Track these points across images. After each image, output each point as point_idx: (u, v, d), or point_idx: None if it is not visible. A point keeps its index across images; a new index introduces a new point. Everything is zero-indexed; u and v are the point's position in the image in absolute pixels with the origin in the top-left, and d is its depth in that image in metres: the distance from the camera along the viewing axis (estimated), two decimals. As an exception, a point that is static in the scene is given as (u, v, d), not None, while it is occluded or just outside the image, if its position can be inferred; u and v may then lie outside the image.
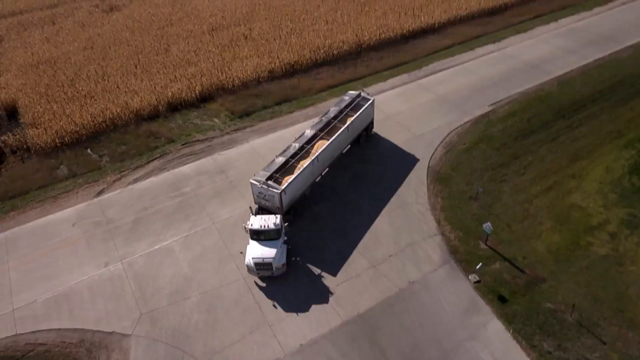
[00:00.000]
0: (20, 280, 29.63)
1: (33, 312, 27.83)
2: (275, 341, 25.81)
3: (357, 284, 28.35)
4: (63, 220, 33.74)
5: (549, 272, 29.29)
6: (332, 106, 36.95)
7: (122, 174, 37.83)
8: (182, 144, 40.72)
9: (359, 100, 37.32)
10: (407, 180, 35.52)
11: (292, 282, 28.61)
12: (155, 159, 39.18)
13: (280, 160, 31.54)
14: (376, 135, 40.29)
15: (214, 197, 34.93)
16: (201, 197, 34.95)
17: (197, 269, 29.84)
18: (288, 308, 27.24)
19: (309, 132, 34.00)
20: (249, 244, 28.46)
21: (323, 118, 35.45)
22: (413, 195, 34.47)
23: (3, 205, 35.48)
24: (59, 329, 26.91)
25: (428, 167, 36.89)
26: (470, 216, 32.73)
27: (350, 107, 36.77)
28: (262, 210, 30.66)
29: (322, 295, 27.61)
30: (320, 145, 33.01)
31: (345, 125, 34.58)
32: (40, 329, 26.94)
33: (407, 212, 33.11)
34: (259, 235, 28.11)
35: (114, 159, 39.74)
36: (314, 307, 27.17)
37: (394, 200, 33.95)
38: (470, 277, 28.73)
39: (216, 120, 43.87)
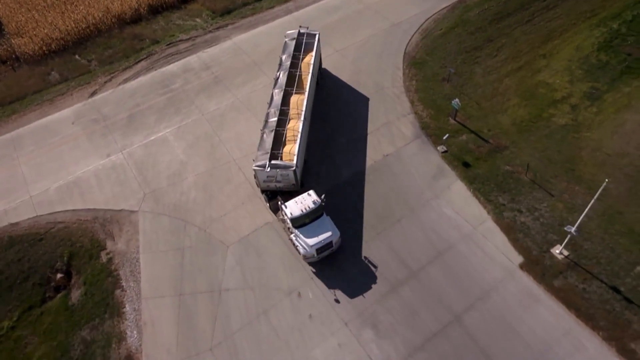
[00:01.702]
0: (31, 173, 33.15)
1: (48, 197, 31.62)
2: (265, 210, 29.79)
3: (336, 159, 31.74)
4: (62, 119, 36.58)
5: (511, 141, 32.66)
6: (281, 55, 33.69)
7: (111, 75, 39.99)
8: (167, 45, 42.37)
9: (305, 39, 34.50)
10: (384, 66, 37.76)
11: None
12: (142, 60, 41.09)
13: (269, 134, 29.14)
14: (356, 24, 41.78)
15: (201, 91, 37.45)
16: (189, 92, 37.47)
17: (191, 154, 33.22)
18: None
19: (277, 93, 31.29)
20: (293, 234, 26.52)
21: (280, 73, 32.36)
22: (389, 80, 36.96)
23: (4, 111, 38.12)
24: (74, 210, 30.83)
25: (404, 53, 38.97)
26: (442, 96, 35.47)
27: (302, 49, 33.94)
28: (272, 194, 28.54)
29: (306, 169, 31.08)
30: (298, 102, 30.59)
31: (311, 72, 32.32)
32: (57, 211, 30.86)
33: (383, 96, 35.83)
34: (303, 220, 26.11)
35: (102, 63, 41.65)
36: (297, 179, 30.86)
37: (371, 85, 36.46)
38: (438, 148, 32.15)
39: (198, 19, 45.05)
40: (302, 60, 33.29)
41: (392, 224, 28.33)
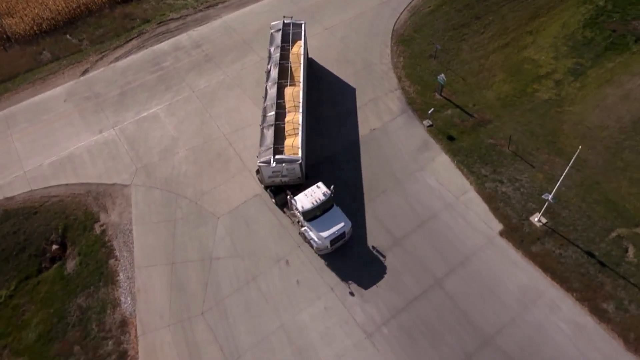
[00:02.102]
0: (25, 149, 34.00)
1: (42, 172, 32.54)
2: (254, 182, 30.83)
3: (324, 133, 32.69)
4: (54, 97, 37.32)
5: (495, 116, 33.69)
6: (269, 47, 33.25)
7: (103, 54, 40.63)
8: (158, 24, 42.94)
9: (292, 30, 34.13)
10: (372, 44, 38.55)
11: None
12: (132, 38, 41.70)
13: (269, 129, 28.86)
14: (344, 2, 42.43)
15: (192, 69, 38.21)
16: (180, 70, 38.22)
17: (182, 130, 34.12)
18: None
19: (271, 87, 30.95)
20: (304, 228, 26.64)
21: (271, 66, 31.95)
22: (377, 57, 37.79)
23: (-4, 89, 38.82)
24: (67, 184, 31.78)
25: (393, 30, 39.74)
26: (429, 72, 36.36)
27: (289, 40, 33.48)
28: (276, 189, 28.69)
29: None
30: (294, 94, 30.39)
31: (302, 62, 32.22)
32: (51, 185, 31.81)
33: (371, 72, 36.71)
34: (315, 213, 26.13)
35: (93, 42, 42.23)
36: (286, 152, 31.84)
37: (359, 62, 37.30)
38: (424, 122, 33.15)
39: (188, -2, 45.57)
40: (291, 51, 32.87)
41: (378, 195, 29.43)
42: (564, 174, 25.13)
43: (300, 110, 29.50)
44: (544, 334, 23.70)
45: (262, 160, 27.40)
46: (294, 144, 27.94)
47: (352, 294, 25.64)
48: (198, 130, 33.99)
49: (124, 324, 25.85)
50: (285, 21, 34.56)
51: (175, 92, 36.66)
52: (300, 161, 27.18)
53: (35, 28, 43.55)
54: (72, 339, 25.69)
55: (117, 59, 39.88)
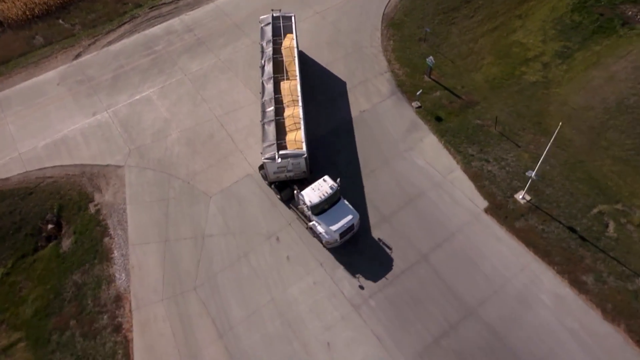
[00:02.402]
0: (19, 132, 34.58)
1: (37, 154, 33.17)
2: (246, 162, 31.60)
3: (314, 115, 33.36)
4: (48, 81, 37.83)
5: (483, 97, 34.43)
6: (261, 42, 33.05)
7: (95, 38, 41.07)
8: (150, 8, 43.33)
9: (282, 23, 33.86)
10: (362, 27, 39.12)
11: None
12: (125, 23, 42.12)
13: (270, 124, 28.79)
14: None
15: (184, 52, 38.74)
16: (172, 53, 38.74)
17: (175, 112, 34.75)
18: (258, 138, 32.71)
19: (267, 82, 30.78)
20: (312, 222, 26.62)
21: (265, 61, 31.76)
22: (367, 40, 38.39)
23: (-11, 73, 39.27)
24: (62, 165, 32.46)
25: (383, 14, 40.29)
26: (419, 55, 37.00)
27: (280, 33, 33.37)
28: (280, 184, 28.75)
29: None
30: (291, 88, 30.27)
31: (296, 55, 32.04)
32: (45, 166, 32.47)
33: (361, 55, 37.33)
34: (322, 206, 26.23)
35: (85, 26, 42.61)
36: (277, 133, 32.56)
37: (349, 45, 37.90)
38: (413, 104, 33.87)
39: (180, -17, 45.85)
40: (284, 44, 32.66)
41: (367, 174, 30.21)
42: (546, 151, 25.98)
43: (300, 104, 29.42)
44: (525, 305, 24.67)
45: (266, 156, 27.23)
46: (297, 138, 27.88)
47: (339, 269, 26.47)
48: (190, 113, 34.63)
49: (119, 299, 26.67)
50: (274, 14, 34.20)
51: (167, 75, 37.22)
52: (305, 155, 27.13)
53: (27, 13, 43.86)
54: (68, 314, 26.49)
55: (109, 43, 40.34)
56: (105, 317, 26.18)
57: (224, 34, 39.75)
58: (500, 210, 28.20)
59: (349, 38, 38.48)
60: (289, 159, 27.13)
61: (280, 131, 28.47)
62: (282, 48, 32.47)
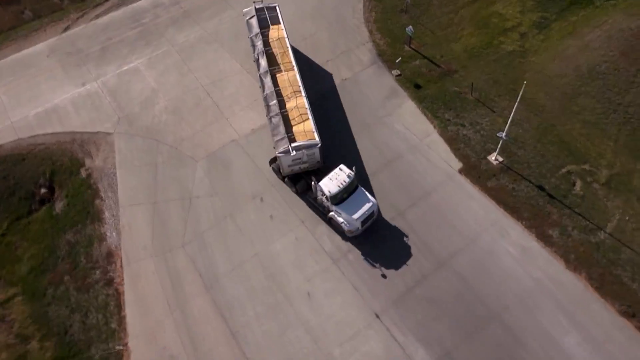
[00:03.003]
0: (11, 101, 35.71)
1: (28, 122, 34.39)
2: (231, 129, 32.96)
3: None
4: (37, 53, 38.84)
5: (461, 66, 35.78)
6: (250, 36, 32.86)
7: (83, 12, 41.96)
8: (137, -18, 44.05)
9: (268, 14, 33.63)
10: (346, 0, 40.21)
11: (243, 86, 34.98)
12: (112, -4, 42.98)
13: (276, 118, 28.59)
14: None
15: (171, 25, 39.79)
16: (159, 25, 39.77)
17: (162, 82, 35.96)
18: (243, 106, 33.99)
19: (265, 75, 30.56)
20: (332, 213, 26.91)
21: (258, 55, 31.58)
22: (350, 11, 39.53)
23: (-21, 47, 40.18)
24: (53, 133, 33.70)
25: (366, -14, 41.29)
26: (399, 26, 38.20)
27: (268, 25, 33.21)
28: (294, 177, 28.87)
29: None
30: (290, 80, 30.11)
31: (289, 46, 32.03)
32: (37, 134, 33.70)
33: (344, 26, 38.53)
34: (342, 196, 26.41)
35: (74, 0, 43.41)
36: (259, 99, 33.85)
37: (333, 17, 39.04)
38: (392, 72, 35.21)
39: (167, -43, 46.56)
40: (272, 36, 32.44)
41: (347, 138, 31.62)
42: (514, 110, 27.43)
43: (303, 94, 29.32)
44: (494, 257, 26.41)
45: (280, 150, 27.01)
46: (306, 129, 27.76)
47: (320, 226, 28.04)
48: (177, 82, 35.85)
49: (110, 256, 28.21)
50: (257, 7, 33.78)
51: (154, 47, 38.32)
52: (319, 144, 27.03)
53: (15, -13, 44.47)
54: (62, 270, 28.02)
55: (97, 17, 41.27)
56: (98, 272, 27.72)
57: (209, 7, 40.75)
58: (474, 170, 29.78)
59: (332, 10, 39.59)
60: (303, 151, 26.96)
61: (286, 124, 28.23)
62: (272, 40, 32.30)
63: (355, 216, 26.21)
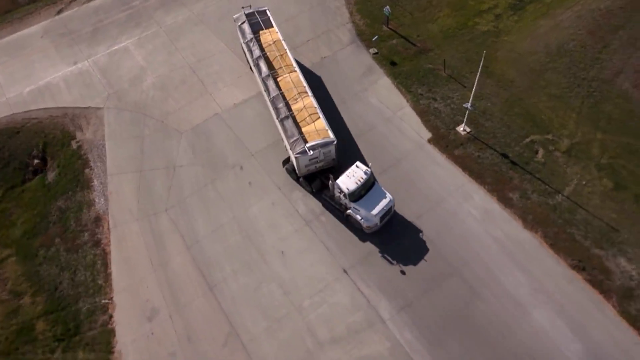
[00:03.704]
0: (6, 80, 37.88)
1: (22, 99, 36.54)
2: (214, 103, 35.00)
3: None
4: (32, 34, 40.99)
5: (436, 45, 37.70)
6: (246, 41, 33.16)
7: (76, -5, 44.06)
8: (128, -33, 46.10)
9: (260, 19, 33.87)
10: (328, -18, 42.15)
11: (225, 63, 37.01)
12: (104, -19, 45.00)
13: (287, 120, 29.00)
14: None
15: (159, 7, 41.84)
16: (148, 8, 41.83)
17: (150, 61, 38.04)
18: (226, 82, 36.03)
19: (267, 79, 30.94)
20: (350, 210, 27.41)
21: (258, 60, 31.89)
22: (332, -7, 41.47)
23: (-24, 29, 42.33)
24: (46, 108, 35.84)
25: (348, -30, 43.19)
26: (379, 8, 40.04)
27: (262, 28, 33.54)
28: (309, 177, 29.34)
29: (251, 75, 35.74)
30: (294, 82, 30.50)
31: (286, 47, 32.48)
32: (31, 109, 35.84)
33: (325, 8, 40.48)
34: (360, 193, 26.89)
35: (67, -15, 45.48)
36: (242, 77, 35.95)
37: (315, 0, 40.99)
38: (370, 50, 37.17)
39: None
40: (267, 39, 32.75)
41: (325, 114, 33.50)
42: (477, 80, 29.38)
43: (310, 94, 29.86)
44: (457, 218, 28.38)
45: (298, 151, 27.41)
46: (318, 128, 28.25)
47: (295, 191, 30.06)
48: (165, 61, 37.91)
49: (98, 219, 30.32)
50: (246, 12, 34.03)
51: (144, 28, 40.39)
52: (335, 142, 27.71)
53: (11, -26, 46.61)
54: (53, 233, 30.15)
55: (89, 0, 43.30)
56: (86, 234, 29.84)
57: (197, -10, 42.74)
58: (442, 140, 31.74)
59: (314, -8, 41.50)
60: (319, 149, 27.51)
61: (296, 125, 28.65)
62: (268, 43, 32.48)
63: (374, 212, 26.65)
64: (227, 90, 35.73)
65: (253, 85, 35.14)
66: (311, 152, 27.42)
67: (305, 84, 30.49)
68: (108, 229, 29.87)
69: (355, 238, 28.09)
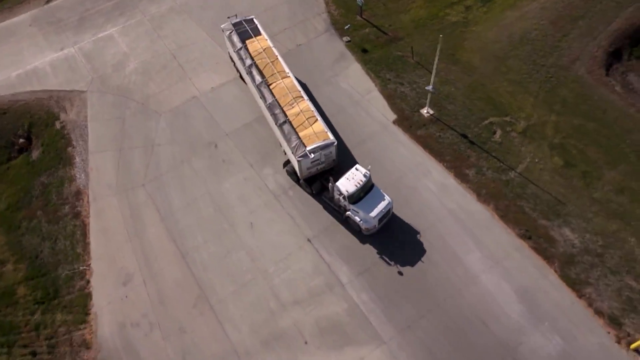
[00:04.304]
0: (-6, 64, 39.90)
1: (9, 82, 38.54)
2: (193, 87, 37.00)
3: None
4: (21, 22, 43.01)
5: (407, 34, 39.78)
6: (237, 51, 33.71)
7: (65, -14, 46.05)
8: (115, -40, 48.16)
9: (247, 27, 34.43)
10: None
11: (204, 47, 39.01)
12: (92, -27, 47.03)
13: (285, 125, 29.65)
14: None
15: (144, -3, 43.90)
16: (133, -2, 43.91)
17: (134, 47, 40.06)
18: (205, 68, 38.07)
19: (262, 86, 31.58)
20: (349, 212, 28.19)
21: (250, 68, 32.52)
22: (309, -15, 43.53)
23: (-33, 17, 44.31)
24: (32, 91, 37.82)
25: (325, -37, 45.27)
26: (354, -1, 42.19)
27: (249, 37, 34.05)
28: (309, 179, 29.97)
29: (228, 61, 37.73)
30: (288, 87, 31.14)
31: (278, 54, 33.12)
32: (17, 92, 37.80)
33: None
34: (359, 194, 27.57)
35: (56, -23, 47.49)
36: (221, 63, 37.98)
37: (293, -9, 43.11)
38: (343, 38, 39.24)
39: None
40: (257, 47, 33.28)
41: (296, 95, 35.56)
42: (436, 62, 31.26)
43: (305, 97, 30.61)
44: (416, 192, 30.37)
45: (300, 155, 28.05)
46: (316, 130, 28.92)
47: (267, 167, 32.02)
48: (147, 48, 39.93)
49: (79, 193, 32.27)
50: (233, 22, 34.64)
51: (128, 17, 42.42)
52: (335, 142, 28.48)
53: (2, -35, 48.61)
54: (36, 207, 32.08)
55: (77, -10, 45.34)
56: (67, 207, 31.78)
57: (181, -18, 44.77)
58: (406, 121, 33.77)
59: (293, -16, 43.55)
60: (320, 152, 28.26)
61: (295, 130, 29.32)
62: (258, 51, 33.00)
63: (373, 214, 27.37)
64: (205, 75, 37.74)
65: (230, 70, 37.21)
66: (312, 155, 28.12)
67: (299, 88, 31.08)
68: (88, 202, 31.79)
69: (319, 210, 30.03)
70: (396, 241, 28.48)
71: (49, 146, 34.85)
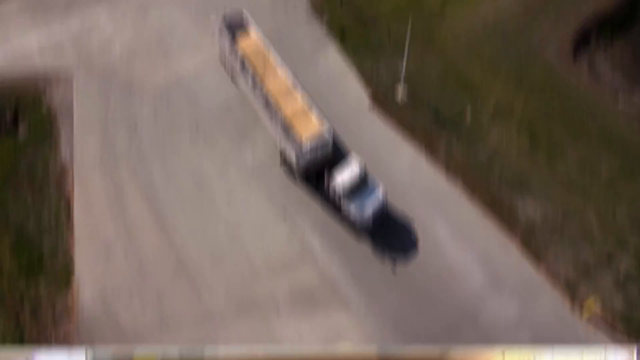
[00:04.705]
0: (-16, 49, 40.81)
1: (-2, 65, 39.52)
2: (177, 68, 38.13)
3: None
4: (9, 9, 43.74)
5: (386, 21, 41.00)
6: (228, 45, 34.29)
7: (53, -27, 46.93)
8: (103, -52, 49.08)
9: (239, 22, 35.05)
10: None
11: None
12: (80, -40, 47.94)
13: (281, 119, 30.22)
14: None
15: (131, -16, 44.84)
16: (120, -16, 44.83)
17: (120, 30, 41.09)
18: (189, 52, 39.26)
19: (256, 80, 32.10)
20: (344, 207, 28.63)
21: (242, 64, 33.02)
22: (292, -26, 44.65)
23: (-44, 3, 45.07)
24: (20, 72, 38.71)
25: (308, -48, 46.41)
26: (335, -14, 43.37)
27: (241, 31, 34.66)
28: (306, 174, 30.58)
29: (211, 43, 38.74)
30: (281, 81, 31.88)
31: (270, 49, 33.65)
32: (5, 73, 38.68)
33: (286, -13, 43.66)
34: (354, 190, 28.31)
35: (45, -36, 48.34)
36: (204, 46, 39.10)
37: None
38: (323, 23, 40.45)
39: None
40: (249, 42, 33.75)
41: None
42: (407, 43, 32.57)
43: (299, 92, 31.21)
44: (389, 169, 31.73)
45: (297, 149, 28.84)
46: (312, 125, 29.46)
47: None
48: (134, 31, 40.96)
49: (64, 170, 33.36)
50: (228, 16, 34.92)
51: (116, 2, 43.35)
52: (330, 130, 29.38)
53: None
54: (22, 183, 33.11)
55: (65, -23, 46.20)
56: (52, 183, 32.85)
57: (167, -32, 45.76)
58: (381, 103, 35.07)
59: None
60: (317, 146, 29.08)
61: (291, 124, 29.88)
62: (250, 46, 33.38)
63: (367, 209, 28.09)
64: (188, 59, 38.86)
65: (213, 52, 38.27)
66: (309, 147, 28.80)
67: (292, 81, 31.68)
68: (72, 178, 32.87)
69: (294, 185, 31.28)
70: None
71: (35, 126, 35.86)
